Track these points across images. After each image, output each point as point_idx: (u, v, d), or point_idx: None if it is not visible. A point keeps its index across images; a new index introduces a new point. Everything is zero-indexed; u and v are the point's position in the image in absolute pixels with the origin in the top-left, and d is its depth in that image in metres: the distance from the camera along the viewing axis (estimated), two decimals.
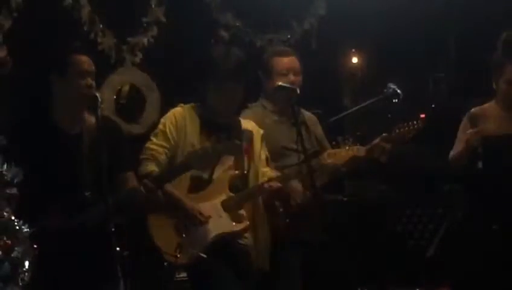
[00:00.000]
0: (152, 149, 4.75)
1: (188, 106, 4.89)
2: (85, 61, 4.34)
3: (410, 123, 5.05)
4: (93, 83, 4.35)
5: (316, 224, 4.98)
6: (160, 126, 4.82)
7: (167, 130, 4.77)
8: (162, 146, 4.74)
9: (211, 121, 4.81)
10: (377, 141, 5.02)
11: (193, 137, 4.75)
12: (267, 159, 4.97)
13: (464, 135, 5.05)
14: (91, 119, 4.33)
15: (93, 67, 4.37)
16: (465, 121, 5.16)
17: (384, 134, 5.04)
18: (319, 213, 4.94)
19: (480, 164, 4.88)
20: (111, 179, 4.23)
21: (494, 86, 5.08)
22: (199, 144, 4.70)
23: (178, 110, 4.87)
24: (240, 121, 4.93)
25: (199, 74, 4.87)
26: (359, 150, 4.96)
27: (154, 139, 4.78)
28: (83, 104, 4.35)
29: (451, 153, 5.11)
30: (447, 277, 5.51)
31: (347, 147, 4.94)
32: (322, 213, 4.97)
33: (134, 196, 4.37)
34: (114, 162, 4.28)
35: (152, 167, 4.69)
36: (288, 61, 5.19)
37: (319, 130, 5.39)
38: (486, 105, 5.15)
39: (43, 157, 4.26)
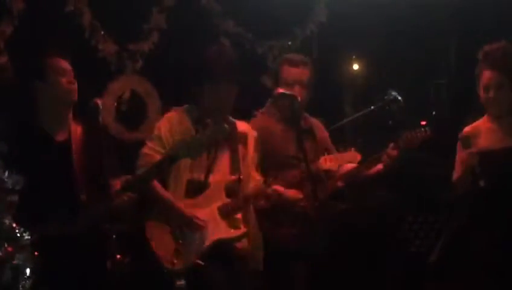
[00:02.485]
0: (147, 154, 4.76)
1: (181, 108, 4.90)
2: (61, 61, 4.44)
3: (417, 130, 5.07)
4: (74, 80, 4.41)
5: (318, 232, 5.00)
6: (155, 131, 4.84)
7: (162, 134, 4.79)
8: (157, 151, 4.75)
9: (206, 123, 4.81)
10: (385, 150, 5.06)
11: None
12: (257, 164, 4.98)
13: (460, 157, 5.02)
14: (76, 124, 4.37)
15: (70, 67, 4.43)
16: (459, 142, 5.11)
17: (392, 143, 5.07)
18: (322, 222, 4.96)
19: (482, 183, 4.82)
20: (102, 182, 4.27)
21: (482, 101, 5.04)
22: None
23: (171, 114, 4.89)
24: (234, 123, 4.92)
25: (194, 75, 4.88)
26: (354, 157, 5.00)
27: (149, 144, 4.80)
28: (68, 106, 4.39)
29: (453, 176, 5.07)
30: (450, 284, 5.50)
31: (342, 153, 4.98)
32: (326, 222, 4.99)
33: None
34: (100, 166, 4.31)
35: None
36: (296, 72, 5.18)
37: (325, 136, 5.39)
38: (478, 121, 5.09)
39: (34, 166, 4.28)
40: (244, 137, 4.90)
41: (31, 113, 4.50)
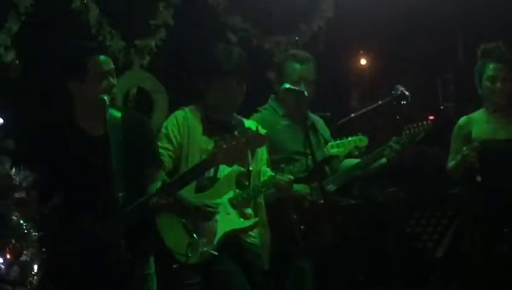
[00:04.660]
0: None
1: (189, 107, 4.90)
2: (103, 61, 4.26)
3: (419, 124, 5.11)
4: (114, 81, 4.29)
5: (327, 228, 5.01)
6: (163, 130, 4.84)
7: (170, 133, 4.78)
8: (166, 149, 4.74)
9: (214, 121, 4.81)
10: (389, 144, 5.08)
11: (196, 138, 4.76)
12: (267, 159, 4.98)
13: (456, 145, 5.18)
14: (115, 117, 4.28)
15: (112, 66, 4.31)
16: (455, 130, 5.24)
17: (394, 137, 5.10)
18: (329, 217, 4.96)
19: (479, 178, 4.95)
20: (141, 176, 4.24)
21: (479, 92, 5.18)
22: (203, 145, 4.71)
23: (179, 113, 4.88)
24: (242, 120, 4.93)
25: (202, 73, 4.87)
26: (361, 140, 5.00)
27: (158, 143, 4.79)
28: (106, 105, 4.27)
29: (448, 164, 5.19)
30: (456, 279, 5.51)
31: (349, 138, 4.99)
32: (333, 217, 4.99)
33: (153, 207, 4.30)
34: (142, 158, 4.26)
35: None
36: (302, 69, 5.18)
37: (327, 132, 5.39)
38: (474, 113, 5.23)
39: (71, 162, 4.19)
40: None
41: (66, 108, 4.38)
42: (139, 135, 4.34)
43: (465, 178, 5.15)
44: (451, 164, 5.19)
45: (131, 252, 4.02)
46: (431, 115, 6.00)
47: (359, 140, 5.04)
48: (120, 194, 4.08)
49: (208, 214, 4.64)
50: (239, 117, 4.94)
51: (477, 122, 5.18)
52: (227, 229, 4.65)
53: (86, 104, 4.27)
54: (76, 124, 4.29)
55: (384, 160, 5.21)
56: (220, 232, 4.63)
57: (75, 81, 4.22)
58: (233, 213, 4.71)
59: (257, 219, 4.79)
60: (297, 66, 5.20)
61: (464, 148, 5.03)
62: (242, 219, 4.74)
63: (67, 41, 5.56)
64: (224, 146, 4.22)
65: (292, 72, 5.18)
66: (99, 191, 4.11)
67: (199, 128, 4.80)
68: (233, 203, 4.73)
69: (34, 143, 4.34)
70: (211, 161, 4.34)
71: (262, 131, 4.91)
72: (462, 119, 5.27)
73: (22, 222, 4.13)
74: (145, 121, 4.55)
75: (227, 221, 4.67)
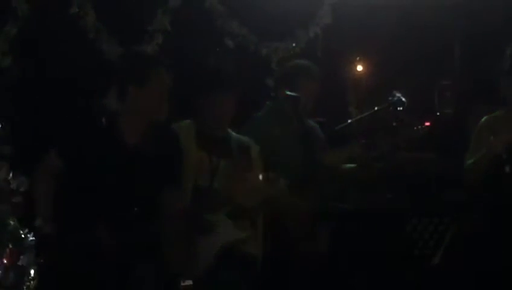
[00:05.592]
0: None
1: (182, 123, 4.89)
2: (165, 75, 4.24)
3: (414, 128, 5.12)
4: (166, 99, 4.25)
5: (323, 235, 5.01)
6: None
7: None
8: None
9: (207, 136, 4.81)
10: (384, 149, 5.09)
11: (190, 152, 4.75)
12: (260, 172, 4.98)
13: (477, 144, 5.07)
14: (153, 130, 4.24)
15: (169, 83, 4.27)
16: (478, 129, 5.16)
17: (390, 142, 5.11)
18: (326, 224, 4.97)
19: (508, 168, 4.89)
20: (160, 195, 4.19)
21: (503, 93, 5.11)
22: (196, 159, 4.71)
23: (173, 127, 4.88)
24: (236, 136, 4.93)
25: (194, 88, 4.86)
26: (355, 151, 5.02)
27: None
28: (153, 118, 4.24)
29: (468, 161, 5.11)
30: (452, 286, 5.51)
31: (343, 147, 5.01)
32: (330, 223, 5.00)
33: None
34: (165, 177, 4.23)
35: None
36: (314, 87, 5.22)
37: (323, 138, 5.41)
38: (496, 113, 5.17)
39: (99, 165, 4.12)
40: (246, 147, 4.89)
41: (108, 112, 4.29)
42: (169, 153, 4.31)
43: (489, 171, 5.03)
44: (471, 160, 5.10)
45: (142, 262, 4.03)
46: (428, 121, 6.00)
47: (353, 151, 5.06)
48: (136, 209, 4.05)
49: (207, 227, 4.65)
50: (233, 133, 4.93)
51: (503, 122, 5.09)
52: (224, 241, 4.65)
53: (136, 112, 4.20)
54: (117, 129, 4.23)
55: (379, 164, 5.23)
56: (217, 244, 4.64)
57: (135, 86, 4.17)
58: (231, 225, 4.71)
59: (253, 230, 4.79)
60: (313, 84, 5.23)
61: (491, 138, 4.96)
62: (238, 231, 4.74)
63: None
64: (245, 181, 4.23)
65: (304, 87, 5.18)
66: (120, 199, 4.07)
67: (192, 143, 4.80)
68: (230, 214, 4.73)
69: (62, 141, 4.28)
70: (229, 196, 4.36)
71: (257, 148, 4.92)
72: (485, 118, 5.18)
73: (18, 226, 4.14)
74: (178, 141, 4.49)
75: (224, 233, 4.67)
